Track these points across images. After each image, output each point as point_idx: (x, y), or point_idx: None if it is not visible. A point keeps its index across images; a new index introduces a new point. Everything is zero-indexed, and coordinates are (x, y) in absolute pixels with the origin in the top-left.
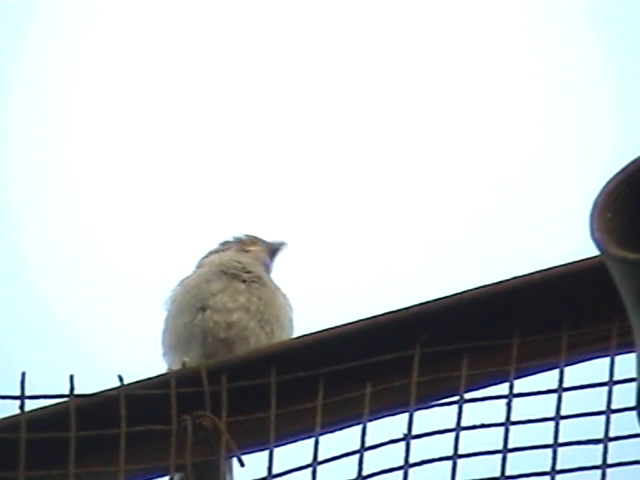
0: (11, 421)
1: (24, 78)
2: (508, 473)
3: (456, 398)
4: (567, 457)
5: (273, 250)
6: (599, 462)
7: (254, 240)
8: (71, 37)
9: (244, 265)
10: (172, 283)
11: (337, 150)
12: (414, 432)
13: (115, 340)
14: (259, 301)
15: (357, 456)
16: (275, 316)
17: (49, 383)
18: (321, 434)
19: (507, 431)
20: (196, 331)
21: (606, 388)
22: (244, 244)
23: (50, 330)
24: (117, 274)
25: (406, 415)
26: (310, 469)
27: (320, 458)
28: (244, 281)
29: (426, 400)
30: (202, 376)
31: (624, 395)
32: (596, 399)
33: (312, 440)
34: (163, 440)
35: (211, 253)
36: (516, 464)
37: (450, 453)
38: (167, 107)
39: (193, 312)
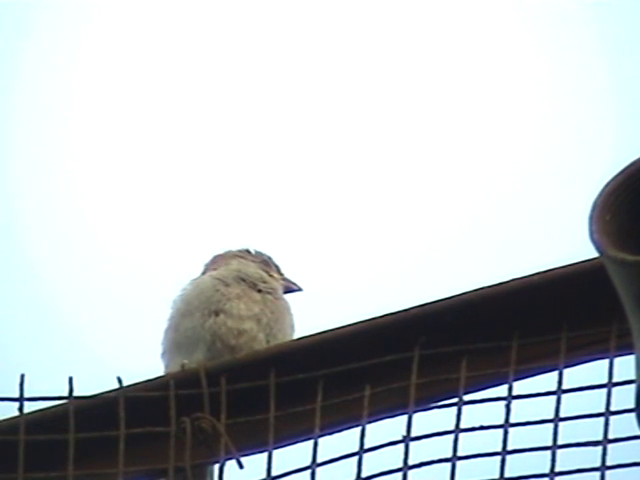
0: (10, 423)
1: (26, 78)
2: (507, 475)
3: (455, 400)
4: (566, 459)
5: (288, 289)
6: (598, 464)
7: (278, 270)
8: (74, 35)
9: (261, 276)
10: (173, 285)
11: (338, 153)
12: (413, 434)
13: (116, 341)
14: (271, 315)
15: (356, 458)
16: (282, 333)
17: (49, 384)
18: (320, 436)
19: (506, 433)
20: (205, 334)
21: (605, 390)
22: (268, 267)
23: (51, 331)
24: (120, 276)
25: (405, 417)
26: (309, 471)
27: (319, 460)
28: (259, 291)
29: (425, 402)
30: (201, 378)
31: (623, 397)
32: (595, 401)
33: (311, 442)
34: (162, 442)
35: (222, 257)
36: (515, 466)
37: (449, 455)
38: (173, 106)
39: (205, 314)
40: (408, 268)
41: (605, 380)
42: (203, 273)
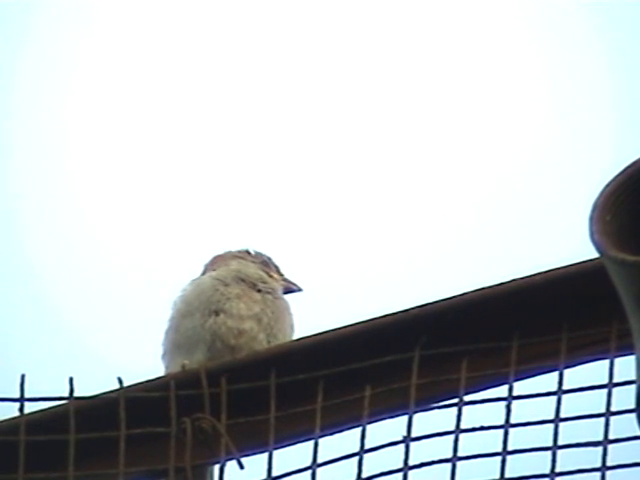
0: (11, 423)
1: (26, 78)
2: (508, 475)
3: (455, 400)
4: (566, 459)
5: (288, 289)
6: (598, 464)
7: (277, 270)
8: (74, 35)
9: (261, 276)
10: (173, 285)
11: (338, 153)
12: (413, 434)
13: (116, 342)
14: (272, 315)
15: (357, 458)
16: (282, 333)
17: (50, 385)
18: (321, 436)
19: (506, 433)
20: (206, 335)
21: (605, 390)
22: (268, 268)
23: (51, 331)
24: (120, 276)
25: (405, 417)
26: (310, 471)
27: (320, 460)
28: (259, 291)
29: (425, 402)
30: (202, 378)
31: (624, 397)
32: (595, 401)
33: (312, 442)
34: (162, 442)
35: (222, 258)
36: (516, 466)
37: (449, 455)
38: (173, 107)
39: (205, 314)
40: (408, 268)
41: (605, 380)
42: (203, 273)
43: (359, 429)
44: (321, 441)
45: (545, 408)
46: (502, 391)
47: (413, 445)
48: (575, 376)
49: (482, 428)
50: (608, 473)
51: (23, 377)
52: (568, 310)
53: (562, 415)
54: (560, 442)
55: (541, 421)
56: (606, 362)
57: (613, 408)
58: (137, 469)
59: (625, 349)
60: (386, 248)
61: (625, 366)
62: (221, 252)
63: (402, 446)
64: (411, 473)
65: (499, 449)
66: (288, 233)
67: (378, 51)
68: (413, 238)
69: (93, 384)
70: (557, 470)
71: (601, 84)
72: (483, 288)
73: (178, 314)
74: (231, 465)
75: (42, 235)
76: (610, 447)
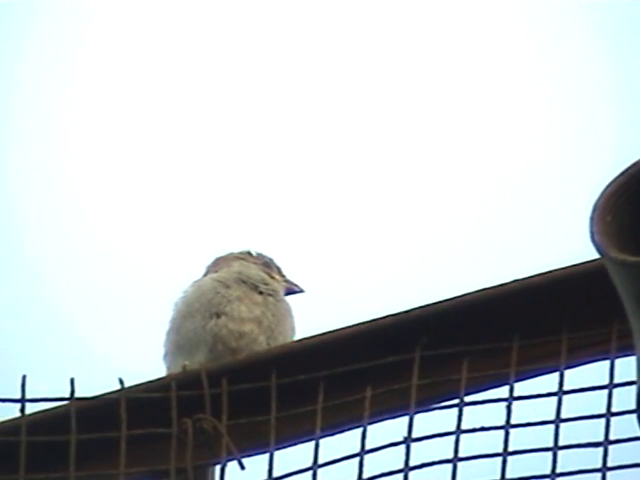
0: (12, 424)
1: (26, 78)
2: (508, 476)
3: (456, 401)
4: (567, 460)
5: (290, 291)
6: (599, 465)
7: (279, 271)
8: (74, 35)
9: (263, 278)
10: (175, 285)
11: (339, 154)
12: (414, 435)
13: (117, 342)
14: (272, 317)
15: (357, 459)
16: (283, 336)
17: (51, 386)
18: (321, 437)
19: (507, 434)
20: (207, 336)
21: (606, 391)
22: (270, 269)
23: (52, 332)
24: (121, 277)
25: (406, 418)
26: (310, 472)
27: (320, 461)
28: (260, 293)
29: (426, 403)
30: (202, 379)
31: (624, 398)
32: (596, 402)
33: (312, 443)
34: (163, 443)
35: (224, 259)
36: (516, 467)
37: (450, 456)
38: (174, 107)
39: (206, 316)
40: (409, 269)
41: (606, 381)
42: (205, 275)
43: (360, 430)
44: (322, 442)
45: (546, 409)
46: (503, 392)
47: (414, 446)
48: (576, 377)
49: (483, 429)
50: (609, 474)
51: (24, 378)
52: (568, 311)
53: (563, 416)
54: (561, 443)
55: (542, 422)
56: (607, 363)
57: (614, 409)
58: (138, 470)
59: (625, 350)
60: (387, 249)
61: (625, 367)
62: (223, 253)
63: (403, 447)
64: (412, 474)
65: (500, 450)
66: (290, 234)
67: (378, 52)
68: (414, 239)
69: (94, 385)
70: (558, 471)
71: (601, 84)
72: (484, 289)
73: (179, 315)
74: (232, 466)
75: (42, 235)
76: (611, 448)
